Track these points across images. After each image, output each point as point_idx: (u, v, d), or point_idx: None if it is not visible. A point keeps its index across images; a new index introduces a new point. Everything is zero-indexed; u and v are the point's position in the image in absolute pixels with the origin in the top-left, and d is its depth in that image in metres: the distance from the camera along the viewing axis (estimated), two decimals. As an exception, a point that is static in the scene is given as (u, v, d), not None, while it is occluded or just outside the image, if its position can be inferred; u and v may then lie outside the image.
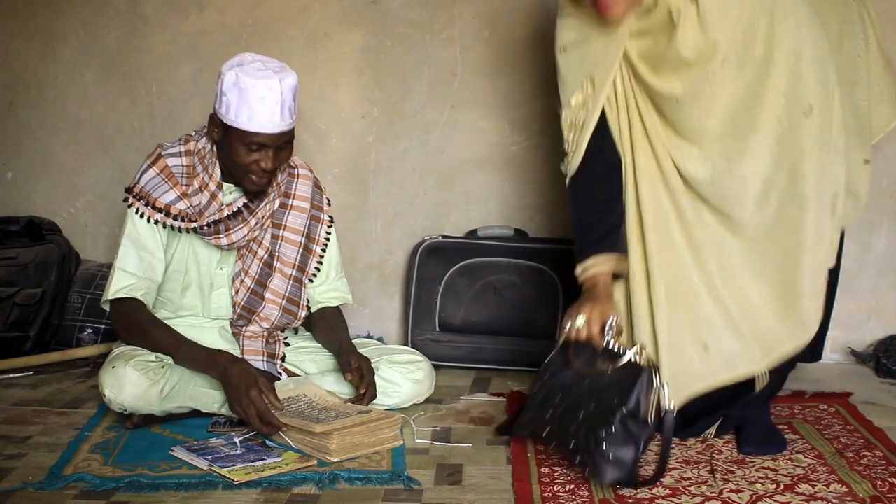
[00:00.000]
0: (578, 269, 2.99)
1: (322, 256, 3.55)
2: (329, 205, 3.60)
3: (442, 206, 4.27)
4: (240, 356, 3.28)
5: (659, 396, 2.71)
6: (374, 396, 3.26)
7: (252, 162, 3.20)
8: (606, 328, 2.86)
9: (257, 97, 3.11)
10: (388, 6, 4.19)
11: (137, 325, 3.27)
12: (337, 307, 3.61)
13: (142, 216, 3.29)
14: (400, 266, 4.28)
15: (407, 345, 3.86)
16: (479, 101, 4.22)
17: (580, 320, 2.88)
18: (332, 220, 3.58)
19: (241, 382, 3.01)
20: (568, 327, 2.91)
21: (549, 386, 2.96)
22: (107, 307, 3.35)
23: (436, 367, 3.56)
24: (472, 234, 4.12)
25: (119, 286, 3.29)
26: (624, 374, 2.78)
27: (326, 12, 4.21)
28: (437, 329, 3.99)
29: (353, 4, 4.20)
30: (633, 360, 2.79)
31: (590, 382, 2.85)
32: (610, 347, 2.84)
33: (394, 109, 4.24)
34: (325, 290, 3.59)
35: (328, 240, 3.56)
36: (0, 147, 4.46)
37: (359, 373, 3.25)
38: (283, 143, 3.23)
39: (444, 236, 4.12)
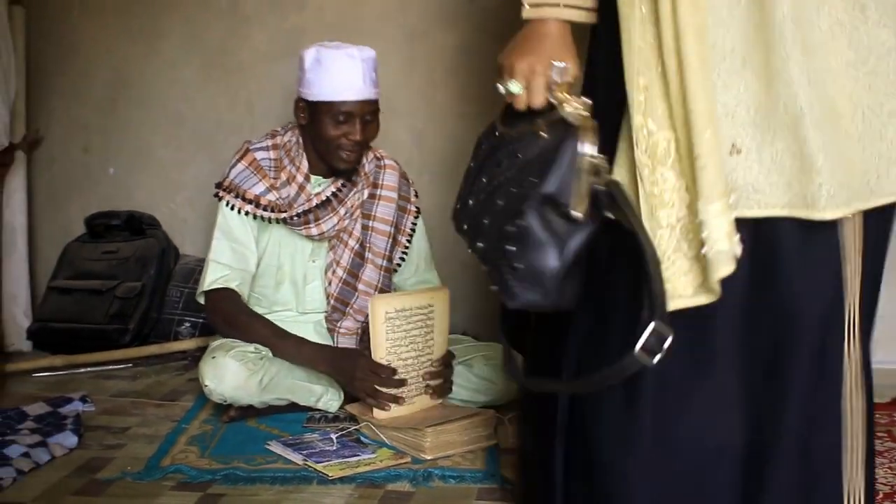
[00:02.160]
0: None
1: (407, 247, 3.57)
2: (416, 196, 3.62)
3: (538, 206, 4.23)
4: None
5: (589, 176, 1.80)
6: (448, 391, 3.23)
7: (341, 135, 3.26)
8: (553, 76, 1.89)
9: (338, 67, 3.22)
10: (486, 5, 4.18)
11: (236, 318, 3.31)
12: None
13: (232, 208, 3.34)
14: (495, 266, 4.25)
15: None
16: (577, 100, 4.19)
17: (514, 86, 1.90)
18: (418, 211, 3.61)
19: (351, 367, 3.07)
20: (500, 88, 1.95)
21: (479, 164, 2.04)
22: (202, 300, 3.39)
23: (530, 367, 3.52)
24: (568, 234, 4.08)
25: (214, 277, 3.34)
26: (553, 140, 1.85)
27: (425, 11, 4.22)
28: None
29: (451, 3, 4.20)
30: (566, 117, 1.84)
31: (520, 153, 1.90)
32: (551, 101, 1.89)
33: (492, 109, 4.22)
34: (416, 283, 3.60)
35: (413, 230, 3.58)
36: (103, 143, 4.54)
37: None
38: (368, 115, 3.29)
39: (539, 236, 4.08)
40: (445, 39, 4.22)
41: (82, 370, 3.90)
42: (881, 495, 2.65)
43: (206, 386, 3.16)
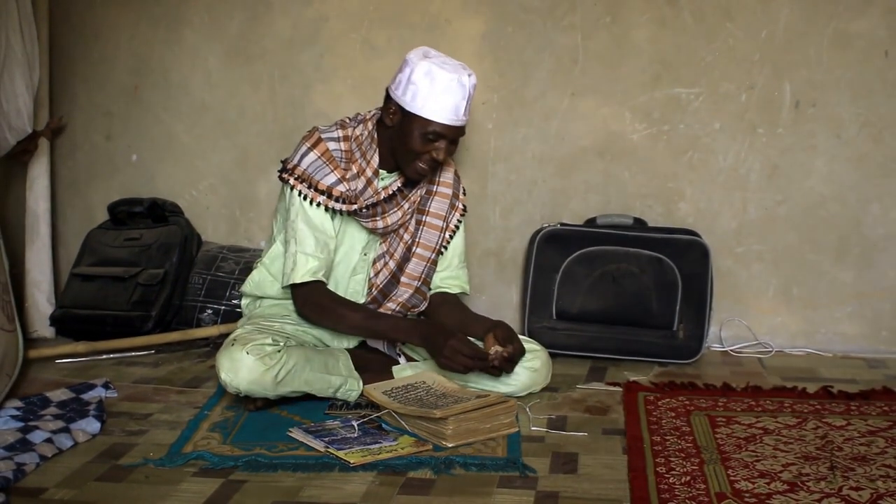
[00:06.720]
0: None
1: (449, 241, 3.57)
2: (464, 194, 3.61)
3: (561, 193, 4.23)
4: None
5: None
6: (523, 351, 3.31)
7: (426, 151, 3.24)
8: None
9: (448, 89, 3.18)
10: (509, -8, 4.17)
11: (330, 309, 3.33)
12: (455, 295, 3.63)
13: (304, 198, 3.32)
14: (518, 253, 4.26)
15: (524, 332, 3.84)
16: (600, 88, 4.18)
17: None
18: (464, 209, 3.60)
19: (440, 337, 3.14)
20: None
21: None
22: (288, 290, 3.40)
23: (552, 355, 3.52)
24: (591, 222, 4.08)
25: (305, 269, 3.31)
26: None
27: (448, -2, 4.22)
28: (554, 317, 3.96)
29: (474, -10, 4.20)
30: None
31: None
32: None
33: (514, 96, 4.22)
34: (446, 277, 3.60)
35: (458, 227, 3.58)
36: (125, 130, 4.55)
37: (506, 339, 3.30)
38: (455, 138, 3.28)
39: (562, 224, 4.08)
40: (468, 27, 4.21)
41: (105, 357, 3.92)
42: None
43: (221, 378, 3.16)
